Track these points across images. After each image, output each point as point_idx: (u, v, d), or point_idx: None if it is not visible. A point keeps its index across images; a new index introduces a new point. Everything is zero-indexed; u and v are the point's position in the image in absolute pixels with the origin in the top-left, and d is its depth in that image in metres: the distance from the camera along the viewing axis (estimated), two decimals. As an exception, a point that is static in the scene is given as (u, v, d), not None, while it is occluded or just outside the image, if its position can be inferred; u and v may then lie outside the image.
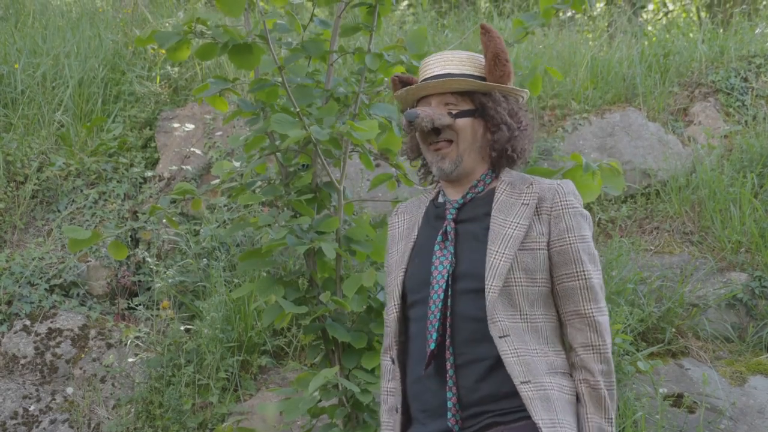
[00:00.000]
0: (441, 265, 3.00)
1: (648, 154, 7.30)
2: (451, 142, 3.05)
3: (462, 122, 3.04)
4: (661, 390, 5.62)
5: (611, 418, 2.95)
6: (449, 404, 2.92)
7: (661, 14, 12.47)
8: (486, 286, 2.92)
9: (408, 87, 3.11)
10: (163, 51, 4.22)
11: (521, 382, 2.88)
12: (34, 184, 6.72)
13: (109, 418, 5.70)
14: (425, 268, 3.03)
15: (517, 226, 2.97)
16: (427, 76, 3.09)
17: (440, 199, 3.15)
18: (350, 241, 4.34)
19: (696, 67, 8.17)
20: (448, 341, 2.94)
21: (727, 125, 7.63)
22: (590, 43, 9.11)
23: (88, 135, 7.15)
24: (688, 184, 7.11)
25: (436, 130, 3.05)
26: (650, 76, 8.01)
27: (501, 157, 3.09)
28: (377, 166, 6.54)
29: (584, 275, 3.00)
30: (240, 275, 6.08)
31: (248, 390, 5.76)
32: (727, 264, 6.58)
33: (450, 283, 2.97)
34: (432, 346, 2.93)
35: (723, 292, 6.35)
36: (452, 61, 3.09)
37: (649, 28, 10.61)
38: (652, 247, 6.78)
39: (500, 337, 2.89)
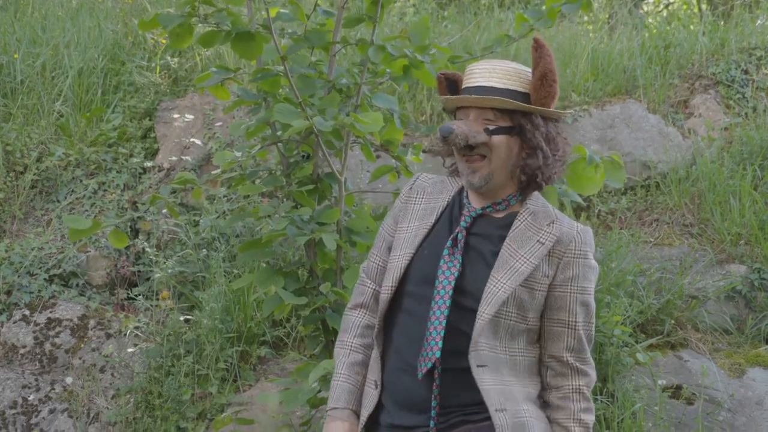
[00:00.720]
0: (448, 270, 3.00)
1: (648, 146, 7.30)
2: (484, 157, 3.01)
3: (497, 139, 3.00)
4: (659, 382, 5.63)
5: None
6: (433, 413, 2.96)
7: (661, 6, 12.46)
8: (478, 311, 2.94)
9: (448, 97, 3.06)
10: (164, 41, 4.24)
11: (496, 410, 2.91)
12: (34, 174, 6.71)
13: (108, 408, 5.70)
14: (431, 266, 3.04)
15: (526, 262, 2.97)
16: (470, 85, 3.03)
17: (464, 199, 3.14)
18: (351, 233, 4.34)
19: (696, 59, 8.16)
20: None
21: (727, 117, 7.63)
22: (591, 35, 9.10)
23: (87, 125, 7.15)
24: (688, 176, 7.11)
25: (470, 146, 3.01)
26: (651, 68, 8.01)
27: (530, 181, 3.06)
28: (378, 157, 6.53)
29: (574, 325, 3.03)
30: (240, 266, 6.08)
31: (247, 380, 5.76)
32: (727, 256, 6.59)
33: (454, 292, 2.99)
34: (438, 354, 2.93)
35: (722, 284, 6.36)
36: (497, 74, 3.01)
37: (650, 20, 10.61)
38: (652, 239, 6.78)
39: (478, 366, 2.92)
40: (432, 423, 2.95)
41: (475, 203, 3.09)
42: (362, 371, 3.15)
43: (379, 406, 3.08)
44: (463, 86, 3.07)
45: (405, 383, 3.00)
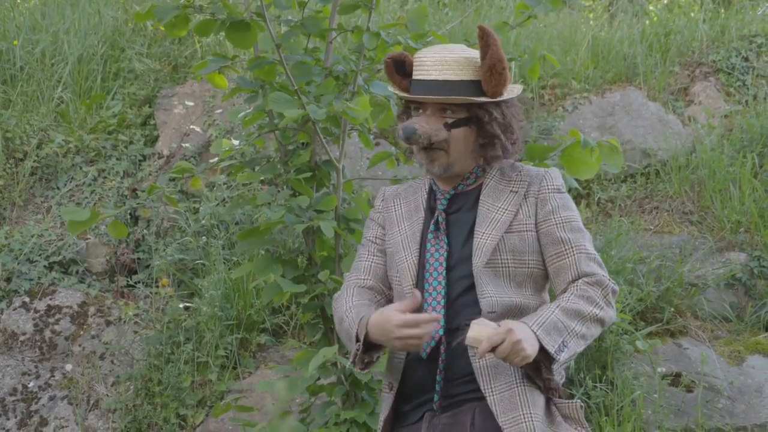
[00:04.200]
0: (437, 252, 3.05)
1: (648, 134, 7.29)
2: (442, 149, 3.07)
3: (456, 132, 3.06)
4: (659, 369, 5.63)
5: (574, 330, 2.89)
6: (437, 387, 2.99)
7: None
8: (473, 263, 2.98)
9: (406, 95, 3.10)
10: (163, 27, 4.21)
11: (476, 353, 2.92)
12: (34, 161, 6.71)
13: (108, 395, 5.71)
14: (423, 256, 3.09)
15: (504, 212, 3.04)
16: (424, 78, 3.06)
17: (434, 187, 3.18)
18: (349, 220, 4.34)
19: (697, 47, 8.15)
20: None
21: (727, 105, 7.62)
22: (591, 22, 9.09)
23: (87, 112, 7.14)
24: (688, 164, 7.10)
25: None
26: (651, 55, 7.99)
27: (491, 163, 3.13)
28: (377, 144, 6.53)
29: (570, 252, 3.04)
30: (239, 253, 6.08)
31: (247, 368, 5.77)
32: (727, 244, 6.58)
33: (446, 272, 3.02)
34: (441, 332, 2.97)
35: (722, 272, 6.36)
36: (451, 66, 3.04)
37: (651, 7, 10.59)
38: (652, 227, 6.78)
39: (489, 312, 2.93)
40: (436, 397, 2.98)
41: (445, 186, 3.15)
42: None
43: (397, 408, 3.10)
44: (414, 76, 3.10)
45: (414, 368, 3.05)
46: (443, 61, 3.05)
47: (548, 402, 2.98)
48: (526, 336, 2.77)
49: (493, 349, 2.77)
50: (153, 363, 5.74)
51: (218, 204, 6.40)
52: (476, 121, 3.06)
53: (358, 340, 2.96)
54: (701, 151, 7.04)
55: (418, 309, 2.97)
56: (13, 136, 6.75)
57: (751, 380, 5.76)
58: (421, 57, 3.08)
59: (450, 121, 3.04)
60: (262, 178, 4.44)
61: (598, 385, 5.54)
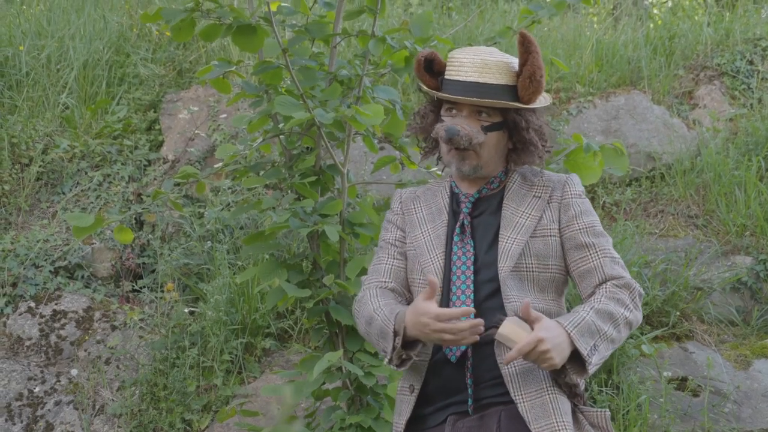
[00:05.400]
0: (464, 255, 3.05)
1: (653, 137, 7.28)
2: (474, 150, 3.08)
3: (490, 135, 3.08)
4: (665, 373, 5.63)
5: (606, 334, 2.91)
6: (470, 391, 2.99)
7: (666, -3, 12.41)
8: (498, 268, 2.99)
9: (453, 97, 3.08)
10: (168, 33, 4.23)
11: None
12: (39, 167, 6.72)
13: (113, 400, 5.71)
14: (448, 258, 3.09)
15: (528, 217, 3.06)
16: (462, 80, 3.07)
17: (455, 190, 3.18)
18: (353, 224, 4.34)
19: (701, 50, 8.14)
20: None
21: (732, 108, 7.61)
22: (595, 26, 9.08)
23: (92, 117, 7.15)
24: (693, 168, 7.09)
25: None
26: (655, 59, 7.99)
27: (520, 167, 3.17)
28: (381, 148, 6.53)
29: (596, 256, 3.07)
30: (244, 258, 6.08)
31: (252, 372, 5.77)
32: (732, 247, 6.57)
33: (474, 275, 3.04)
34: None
35: (728, 276, 6.35)
36: (491, 69, 3.06)
37: (655, 10, 10.59)
38: (657, 231, 6.77)
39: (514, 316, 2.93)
40: (470, 401, 2.98)
41: (468, 189, 3.16)
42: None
43: (415, 411, 3.09)
44: (450, 76, 3.10)
45: (438, 371, 3.04)
46: (484, 64, 3.06)
47: (574, 409, 2.98)
48: (555, 344, 2.79)
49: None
50: (158, 368, 5.74)
51: (223, 209, 6.40)
52: (511, 125, 3.09)
53: (396, 335, 2.94)
54: (706, 154, 7.04)
55: (446, 303, 3.01)
56: (18, 141, 6.76)
57: (757, 384, 5.75)
58: (460, 58, 3.10)
59: (485, 124, 3.07)
60: (266, 182, 4.44)
61: (603, 389, 5.54)
